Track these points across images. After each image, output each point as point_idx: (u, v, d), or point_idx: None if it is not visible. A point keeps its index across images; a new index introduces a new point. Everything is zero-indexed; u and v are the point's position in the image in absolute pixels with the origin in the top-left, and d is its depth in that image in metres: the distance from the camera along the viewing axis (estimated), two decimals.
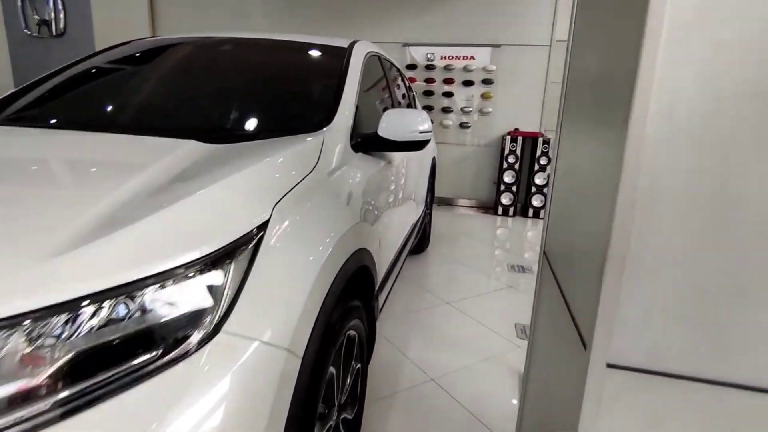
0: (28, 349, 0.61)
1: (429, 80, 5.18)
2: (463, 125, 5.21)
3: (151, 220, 0.77)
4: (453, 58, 5.07)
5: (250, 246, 0.83)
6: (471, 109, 5.15)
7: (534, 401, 1.32)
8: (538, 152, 4.76)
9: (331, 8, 5.15)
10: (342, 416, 1.28)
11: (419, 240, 3.26)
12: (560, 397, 0.96)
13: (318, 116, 1.45)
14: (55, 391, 0.61)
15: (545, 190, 4.84)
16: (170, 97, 1.63)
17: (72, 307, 0.64)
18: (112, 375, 0.64)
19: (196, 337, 0.71)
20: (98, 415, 0.62)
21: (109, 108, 1.62)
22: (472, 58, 5.02)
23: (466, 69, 5.05)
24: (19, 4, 5.12)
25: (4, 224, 0.76)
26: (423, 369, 2.00)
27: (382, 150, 1.63)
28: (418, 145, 1.62)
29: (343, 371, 1.23)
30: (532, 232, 4.54)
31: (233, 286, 0.78)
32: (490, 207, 5.16)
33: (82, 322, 0.64)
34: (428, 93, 5.20)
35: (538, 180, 4.83)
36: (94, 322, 0.65)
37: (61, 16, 5.10)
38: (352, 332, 1.27)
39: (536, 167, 4.80)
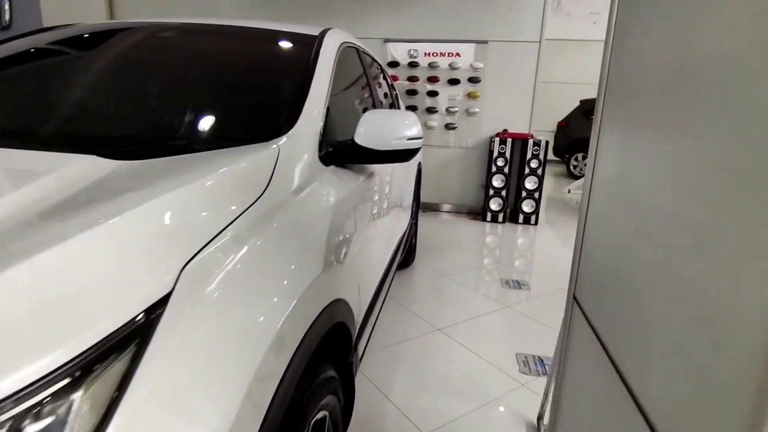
0: None
1: (412, 78, 4.86)
2: (448, 126, 4.91)
3: None
4: (437, 55, 4.76)
5: (129, 348, 0.49)
6: (457, 109, 4.85)
7: None
8: (529, 155, 4.49)
9: (304, 1, 4.78)
10: None
11: (405, 254, 2.94)
12: None
13: (274, 120, 1.11)
14: None
15: (536, 195, 4.57)
16: (80, 98, 1.25)
17: None
18: None
19: None
20: None
21: None
22: (458, 55, 4.72)
23: (451, 66, 4.75)
24: None
25: None
26: (412, 420, 1.67)
27: (360, 162, 1.30)
28: (404, 155, 1.29)
29: None
30: (522, 239, 4.27)
31: (91, 420, 0.45)
32: (478, 213, 4.87)
33: None
34: (411, 92, 4.88)
35: (529, 184, 4.56)
36: None
37: (6, 7, 4.61)
38: (321, 414, 0.93)
39: (526, 171, 4.53)
